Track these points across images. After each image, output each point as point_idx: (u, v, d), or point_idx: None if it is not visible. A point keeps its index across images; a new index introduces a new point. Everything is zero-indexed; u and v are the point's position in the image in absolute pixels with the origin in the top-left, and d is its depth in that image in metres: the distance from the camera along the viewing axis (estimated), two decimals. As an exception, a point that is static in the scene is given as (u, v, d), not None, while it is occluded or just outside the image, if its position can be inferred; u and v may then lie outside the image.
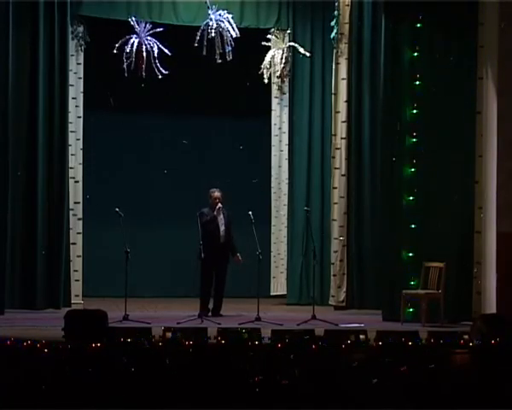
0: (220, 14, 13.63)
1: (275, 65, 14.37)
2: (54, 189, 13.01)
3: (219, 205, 12.59)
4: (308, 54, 14.33)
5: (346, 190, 13.71)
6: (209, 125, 15.60)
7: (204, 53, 13.42)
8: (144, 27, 13.63)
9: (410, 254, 12.29)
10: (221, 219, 12.66)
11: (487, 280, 12.09)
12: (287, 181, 14.86)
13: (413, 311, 12.09)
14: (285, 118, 14.89)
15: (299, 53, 14.30)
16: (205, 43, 13.47)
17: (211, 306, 12.58)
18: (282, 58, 14.35)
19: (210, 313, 12.41)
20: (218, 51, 13.51)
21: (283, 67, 14.41)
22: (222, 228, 12.63)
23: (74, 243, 13.59)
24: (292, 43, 14.38)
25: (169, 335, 8.82)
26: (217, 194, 12.69)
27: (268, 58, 14.34)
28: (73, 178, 13.63)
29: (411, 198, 12.35)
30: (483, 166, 12.27)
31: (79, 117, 13.78)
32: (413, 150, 12.36)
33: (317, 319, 11.84)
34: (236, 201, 13.82)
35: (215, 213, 12.56)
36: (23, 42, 12.85)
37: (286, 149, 14.92)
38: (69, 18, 13.26)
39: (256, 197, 14.74)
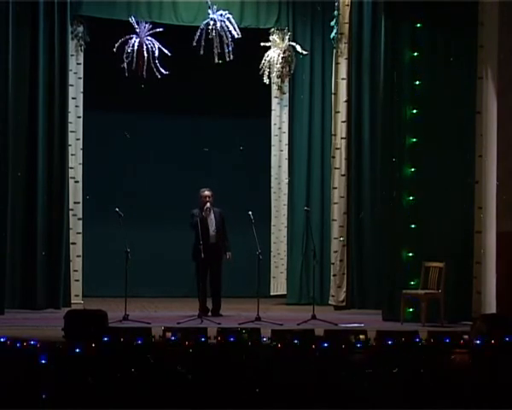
0: (221, 15, 13.64)
1: (275, 65, 14.37)
2: (54, 189, 13.01)
3: (207, 205, 12.55)
4: (305, 52, 14.32)
5: (346, 190, 13.72)
6: (209, 125, 15.60)
7: (201, 53, 13.42)
8: (144, 27, 13.63)
9: (410, 254, 12.29)
10: (211, 219, 12.62)
11: (487, 280, 12.09)
12: (287, 181, 14.86)
13: (413, 311, 12.09)
14: (285, 118, 14.90)
15: (297, 52, 14.30)
16: (203, 43, 13.48)
17: (209, 306, 12.57)
18: (281, 58, 14.35)
19: (210, 313, 12.41)
20: (216, 51, 13.52)
21: (283, 67, 14.41)
22: (212, 228, 12.59)
23: (74, 243, 13.60)
24: (290, 42, 14.37)
25: (169, 335, 8.81)
26: (206, 193, 12.65)
27: (268, 58, 14.33)
28: (73, 178, 13.63)
29: (411, 198, 12.35)
30: (483, 166, 12.27)
31: (79, 117, 13.79)
32: (413, 150, 12.36)
33: (317, 319, 11.84)
34: (236, 201, 13.82)
35: (203, 213, 12.53)
36: (23, 42, 12.85)
37: (286, 149, 14.93)
38: (69, 18, 13.27)
39: (256, 197, 14.74)
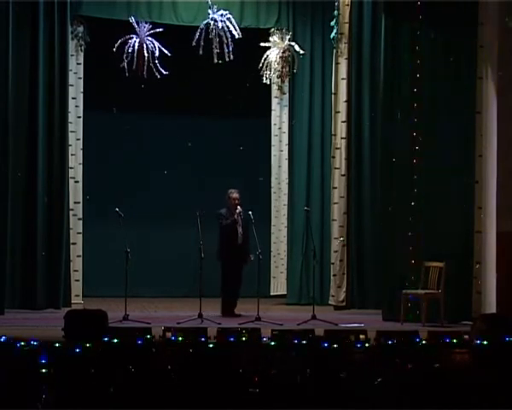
0: (222, 15, 13.64)
1: (275, 65, 14.36)
2: (54, 189, 13.01)
3: (239, 209, 12.54)
4: (302, 51, 14.30)
5: (346, 190, 13.72)
6: (209, 125, 15.60)
7: (201, 53, 13.43)
8: (144, 27, 13.63)
9: (410, 254, 12.28)
10: (239, 220, 12.63)
11: (487, 280, 12.09)
12: (287, 181, 14.86)
13: (413, 311, 12.08)
14: (285, 118, 14.90)
15: (296, 51, 14.28)
16: (202, 43, 13.48)
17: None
18: (281, 58, 14.34)
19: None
20: (215, 51, 13.52)
21: (283, 67, 14.40)
22: (240, 229, 12.59)
23: (74, 243, 13.58)
24: (290, 42, 14.36)
25: (169, 335, 8.82)
26: (235, 195, 12.65)
27: (268, 58, 14.33)
28: (73, 178, 13.62)
29: (411, 198, 12.35)
30: (483, 166, 12.27)
31: (79, 117, 13.78)
32: (413, 150, 12.36)
33: (317, 319, 11.84)
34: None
35: (236, 217, 12.51)
36: (23, 42, 12.84)
37: (286, 149, 14.93)
38: (69, 18, 13.26)
39: (256, 197, 14.74)
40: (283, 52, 14.35)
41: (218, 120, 15.58)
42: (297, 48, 14.28)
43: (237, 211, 12.57)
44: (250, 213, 12.35)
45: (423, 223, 12.31)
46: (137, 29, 13.63)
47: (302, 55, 14.33)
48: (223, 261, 12.54)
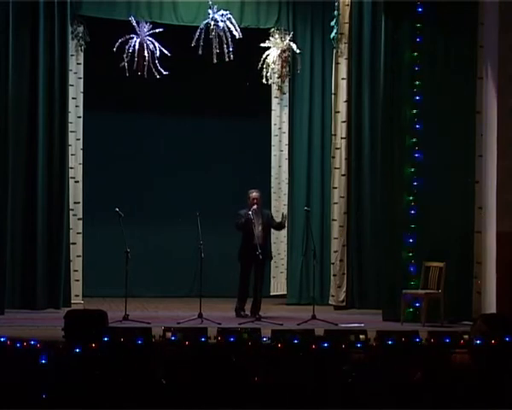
0: (222, 15, 13.64)
1: (275, 65, 14.36)
2: (54, 189, 13.00)
3: (254, 207, 12.43)
4: (298, 51, 14.27)
5: (346, 190, 13.71)
6: (209, 125, 15.59)
7: (200, 53, 13.43)
8: (144, 27, 13.63)
9: (410, 254, 12.29)
10: (258, 219, 12.53)
11: (487, 280, 12.09)
12: (287, 181, 14.86)
13: (413, 311, 12.09)
14: (285, 118, 14.89)
15: (294, 51, 14.27)
16: (201, 43, 13.48)
17: (247, 306, 12.57)
18: (281, 58, 14.34)
19: (248, 313, 12.39)
20: (215, 51, 13.52)
21: (283, 67, 14.40)
22: (258, 229, 12.42)
23: (74, 243, 13.58)
24: (290, 43, 14.35)
25: (169, 335, 8.82)
26: (254, 194, 12.54)
27: (268, 58, 14.33)
28: (73, 178, 13.62)
29: (411, 198, 12.35)
30: (483, 166, 12.27)
31: (79, 117, 13.78)
32: (413, 150, 12.36)
33: (317, 319, 11.84)
34: (236, 201, 13.80)
35: (249, 213, 12.42)
36: (23, 42, 12.84)
37: (286, 149, 14.92)
38: (69, 18, 13.26)
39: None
40: (283, 52, 14.35)
41: (218, 120, 15.57)
42: (294, 47, 14.27)
43: (252, 208, 12.38)
44: (250, 213, 12.34)
45: (423, 223, 12.31)
46: (137, 29, 13.63)
47: (299, 53, 14.30)
48: (241, 262, 12.49)
